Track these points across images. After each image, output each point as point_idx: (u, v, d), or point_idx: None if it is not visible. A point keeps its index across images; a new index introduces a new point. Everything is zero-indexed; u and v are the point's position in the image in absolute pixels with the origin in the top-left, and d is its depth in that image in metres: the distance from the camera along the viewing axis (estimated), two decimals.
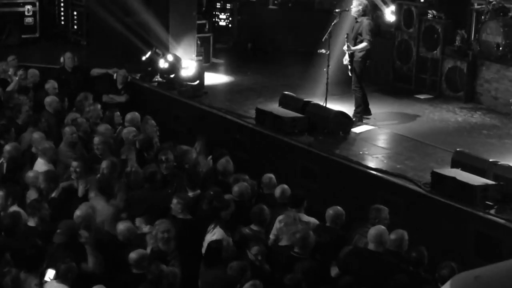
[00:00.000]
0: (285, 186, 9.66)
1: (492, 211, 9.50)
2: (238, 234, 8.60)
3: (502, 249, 9.04)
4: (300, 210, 9.34)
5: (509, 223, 9.17)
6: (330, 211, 9.00)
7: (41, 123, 11.56)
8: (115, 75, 14.14)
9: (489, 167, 10.05)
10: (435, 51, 14.50)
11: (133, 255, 7.85)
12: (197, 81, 14.27)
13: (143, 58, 14.81)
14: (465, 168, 10.13)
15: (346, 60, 12.50)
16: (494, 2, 14.07)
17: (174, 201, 8.97)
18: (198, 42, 15.77)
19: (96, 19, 16.24)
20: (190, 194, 9.58)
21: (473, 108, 13.70)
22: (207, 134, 12.01)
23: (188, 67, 14.36)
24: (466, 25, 14.77)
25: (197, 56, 15.47)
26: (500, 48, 13.59)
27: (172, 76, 14.45)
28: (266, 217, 8.93)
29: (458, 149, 10.65)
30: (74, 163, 9.85)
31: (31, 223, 8.60)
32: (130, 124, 11.72)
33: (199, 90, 14.20)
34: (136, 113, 12.00)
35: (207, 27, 16.56)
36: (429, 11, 14.67)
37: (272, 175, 9.98)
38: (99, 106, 12.29)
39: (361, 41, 12.44)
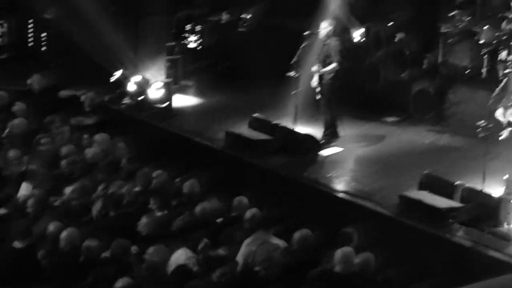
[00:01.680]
0: (255, 209, 9.64)
1: (460, 233, 9.56)
2: (205, 256, 8.58)
3: (470, 271, 9.08)
4: (269, 232, 9.33)
5: (477, 246, 9.23)
6: (298, 234, 9.00)
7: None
8: (83, 97, 14.06)
9: (457, 189, 10.12)
10: (403, 74, 14.60)
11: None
12: (166, 103, 14.23)
13: (112, 80, 14.76)
14: (432, 191, 10.20)
15: (315, 82, 12.55)
16: (461, 26, 14.24)
17: (144, 220, 8.96)
18: (167, 64, 15.75)
19: (65, 41, 16.17)
20: (158, 214, 9.57)
21: (440, 130, 13.77)
22: (176, 156, 11.98)
23: (157, 89, 14.33)
24: (434, 48, 14.90)
25: (166, 78, 15.45)
26: (467, 71, 13.72)
27: (140, 98, 14.41)
28: (235, 239, 8.92)
29: (425, 172, 10.71)
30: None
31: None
32: (98, 146, 11.66)
33: (168, 112, 14.16)
34: (105, 135, 11.95)
35: (176, 49, 16.55)
36: (397, 34, 14.79)
37: (243, 198, 9.97)
38: (67, 128, 12.23)
39: (331, 63, 12.50)
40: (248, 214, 9.59)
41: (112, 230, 9.15)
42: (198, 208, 9.48)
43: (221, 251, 8.84)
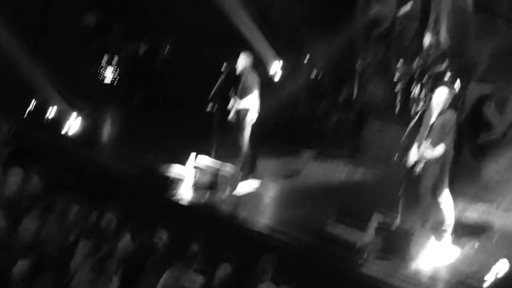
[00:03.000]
0: (173, 243, 9.60)
1: (374, 266, 9.70)
2: None
3: None
4: (187, 267, 9.30)
5: (391, 278, 9.37)
6: (218, 269, 9.00)
7: None
8: None
9: (373, 221, 10.27)
10: (321, 106, 14.78)
11: None
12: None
13: (29, 109, 14.55)
14: (348, 223, 10.32)
15: (233, 116, 12.61)
16: (376, 60, 14.53)
17: None
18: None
19: None
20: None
21: (356, 163, 13.96)
22: (94, 186, 11.88)
23: (76, 118, 14.22)
24: (351, 81, 15.17)
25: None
26: (383, 105, 13.99)
27: (59, 127, 14.25)
28: (154, 273, 8.88)
29: (341, 204, 10.84)
30: None
31: None
32: (12, 179, 11.46)
33: (86, 141, 14.03)
34: (19, 168, 11.74)
35: (95, 77, 16.43)
36: (315, 66, 14.98)
37: (162, 231, 9.93)
38: None
39: (248, 96, 12.57)
40: (166, 247, 9.55)
41: None
42: (117, 242, 9.40)
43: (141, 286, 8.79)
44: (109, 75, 17.55)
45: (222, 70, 12.81)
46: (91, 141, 14.20)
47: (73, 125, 14.19)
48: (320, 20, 16.69)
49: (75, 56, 15.42)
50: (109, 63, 17.56)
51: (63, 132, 14.22)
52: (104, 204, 10.86)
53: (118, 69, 17.56)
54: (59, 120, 14.30)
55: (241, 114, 12.57)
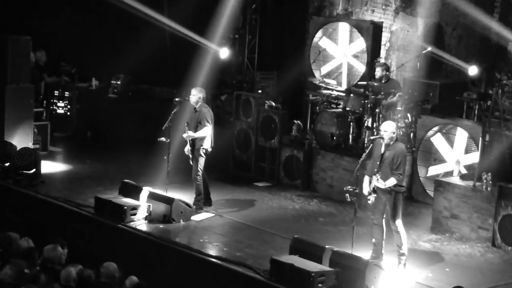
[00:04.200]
0: (134, 277, 9.44)
1: None
2: None
3: None
4: None
5: None
6: None
7: None
8: None
9: (326, 253, 10.29)
10: (273, 140, 14.86)
11: None
12: (33, 170, 13.92)
13: None
14: (302, 255, 10.33)
15: (187, 150, 12.59)
16: (328, 94, 14.68)
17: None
18: (35, 130, 15.45)
19: None
20: None
21: (309, 196, 14.05)
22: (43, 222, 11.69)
23: (24, 155, 14.02)
24: (302, 115, 15.29)
25: (34, 144, 15.14)
26: (334, 138, 14.10)
27: (6, 164, 14.04)
28: None
29: (295, 236, 10.85)
30: None
31: None
32: None
33: (36, 179, 13.86)
34: None
35: (44, 115, 16.28)
36: (267, 102, 15.09)
37: (111, 264, 9.76)
38: None
39: (202, 129, 12.57)
40: (127, 282, 9.39)
41: None
42: (63, 274, 9.20)
43: None
44: (60, 111, 17.41)
45: (176, 101, 12.80)
46: (41, 177, 14.01)
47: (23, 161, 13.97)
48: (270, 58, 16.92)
49: (26, 94, 15.25)
50: (60, 100, 17.43)
51: (11, 168, 13.97)
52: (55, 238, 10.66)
53: (69, 107, 17.43)
54: (8, 157, 14.09)
55: (195, 146, 12.54)
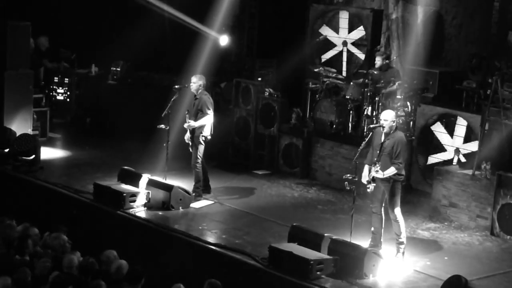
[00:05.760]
0: (122, 261, 9.46)
1: (327, 285, 9.71)
2: None
3: None
4: (137, 287, 9.16)
5: None
6: None
7: None
8: None
9: (324, 241, 10.31)
10: (272, 128, 14.86)
11: None
12: (33, 156, 13.92)
13: None
14: (301, 243, 10.35)
15: (187, 137, 12.58)
16: (327, 82, 14.67)
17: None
18: (35, 116, 15.45)
19: None
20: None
21: (308, 183, 14.06)
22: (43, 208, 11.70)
23: (23, 141, 14.02)
24: (301, 103, 15.28)
25: (33, 130, 15.14)
26: (334, 126, 14.11)
27: (6, 150, 14.04)
28: None
29: (294, 224, 10.87)
30: None
31: None
32: None
33: (35, 165, 13.86)
34: None
35: (44, 101, 16.27)
36: (266, 89, 15.08)
37: (111, 251, 9.78)
38: None
39: (202, 117, 12.56)
40: (114, 266, 9.39)
41: None
42: (65, 261, 9.22)
43: None
44: (60, 98, 17.39)
45: (175, 89, 12.78)
46: (40, 163, 14.01)
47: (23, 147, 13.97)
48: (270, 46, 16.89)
49: (25, 80, 15.23)
50: (60, 86, 17.41)
51: (11, 154, 13.97)
52: (55, 225, 10.68)
53: (68, 93, 17.41)
54: (7, 143, 14.08)
55: (195, 134, 12.54)
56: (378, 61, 13.74)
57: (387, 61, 13.81)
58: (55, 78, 17.50)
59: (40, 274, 8.92)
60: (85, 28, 17.46)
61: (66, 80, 17.52)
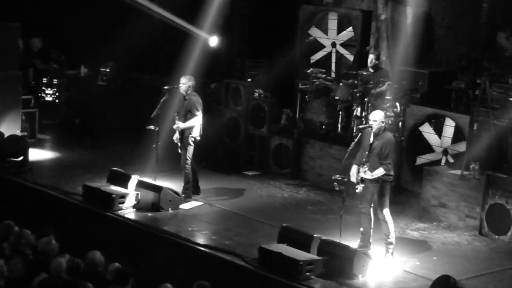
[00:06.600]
0: (115, 264, 9.45)
1: (317, 286, 9.72)
2: None
3: None
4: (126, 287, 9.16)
5: None
6: None
7: None
8: None
9: (314, 242, 10.32)
10: (262, 129, 14.86)
11: None
12: (21, 157, 13.89)
13: None
14: (291, 243, 10.36)
15: (176, 138, 12.58)
16: (317, 83, 14.67)
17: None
18: (23, 117, 15.41)
19: None
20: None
21: (298, 184, 14.07)
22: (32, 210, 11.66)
23: (11, 142, 14.00)
24: (292, 104, 15.28)
25: (21, 131, 15.11)
26: (324, 127, 14.13)
27: None
28: None
29: (284, 225, 10.87)
30: None
31: None
32: None
33: (24, 166, 13.83)
34: None
35: (32, 102, 16.22)
36: (256, 90, 15.08)
37: (97, 252, 9.76)
38: None
39: (191, 118, 12.56)
40: (111, 267, 9.40)
41: None
42: (53, 265, 9.20)
43: None
44: (49, 99, 17.35)
45: (165, 89, 12.77)
46: (29, 165, 13.98)
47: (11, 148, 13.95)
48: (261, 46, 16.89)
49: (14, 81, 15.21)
50: (49, 87, 17.37)
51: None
52: (44, 227, 10.65)
53: (57, 94, 17.38)
54: None
55: (184, 135, 12.53)
56: (372, 59, 13.72)
57: (376, 62, 13.82)
58: (44, 79, 17.46)
59: (13, 276, 8.88)
60: (75, 29, 17.43)
61: (55, 81, 17.48)
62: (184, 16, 16.44)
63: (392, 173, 10.83)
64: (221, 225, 11.75)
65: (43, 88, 17.43)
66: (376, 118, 10.67)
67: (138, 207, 12.14)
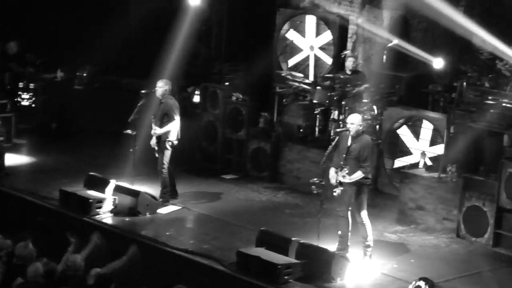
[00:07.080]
0: (97, 269, 9.40)
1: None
2: None
3: None
4: None
5: None
6: None
7: None
8: None
9: (292, 245, 10.31)
10: (240, 133, 14.85)
11: None
12: None
13: None
14: (269, 247, 10.36)
15: (153, 142, 12.53)
16: (295, 86, 14.68)
17: None
18: None
19: None
20: None
21: (276, 187, 14.07)
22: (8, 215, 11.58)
23: None
24: (269, 107, 15.28)
25: None
26: (301, 130, 14.14)
27: None
28: None
29: (262, 228, 10.87)
30: None
31: None
32: None
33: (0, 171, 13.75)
34: None
35: (8, 106, 16.10)
36: (234, 94, 15.06)
37: (77, 256, 9.71)
38: None
39: (168, 122, 12.52)
40: (92, 272, 9.35)
41: None
42: (30, 270, 9.13)
43: None
44: (25, 103, 17.23)
45: (142, 94, 12.73)
46: (5, 170, 13.90)
47: None
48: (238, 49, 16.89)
49: None
50: (25, 91, 17.25)
51: None
52: (21, 232, 10.58)
53: (34, 98, 17.26)
54: None
55: (161, 139, 12.49)
56: (350, 62, 13.76)
57: (354, 65, 13.86)
58: (20, 83, 17.34)
59: None
60: (51, 33, 17.34)
61: (32, 85, 17.35)
62: (161, 19, 16.40)
63: (370, 176, 10.88)
64: (199, 229, 11.75)
65: (19, 92, 17.30)
66: (354, 121, 10.70)
67: (115, 211, 12.10)
